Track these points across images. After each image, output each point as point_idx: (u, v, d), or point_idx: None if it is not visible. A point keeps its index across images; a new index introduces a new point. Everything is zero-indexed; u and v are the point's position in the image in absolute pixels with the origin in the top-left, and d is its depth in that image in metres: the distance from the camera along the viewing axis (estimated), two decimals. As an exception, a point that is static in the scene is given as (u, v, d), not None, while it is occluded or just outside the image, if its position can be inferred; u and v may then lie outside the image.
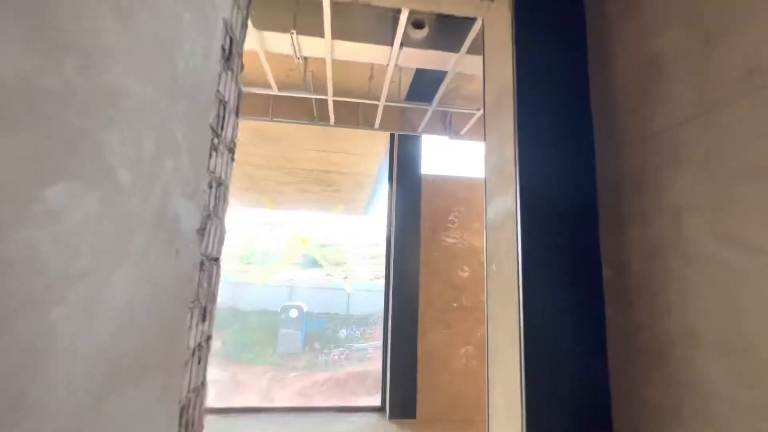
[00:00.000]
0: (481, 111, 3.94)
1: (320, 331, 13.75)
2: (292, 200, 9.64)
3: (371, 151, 5.93)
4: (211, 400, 9.32)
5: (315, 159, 6.39)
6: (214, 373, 10.25)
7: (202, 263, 1.24)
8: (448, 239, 4.66)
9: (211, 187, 1.28)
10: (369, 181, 7.65)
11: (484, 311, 1.75)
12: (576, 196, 1.48)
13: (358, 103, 3.96)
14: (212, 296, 1.36)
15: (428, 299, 4.45)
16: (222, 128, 1.35)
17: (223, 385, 10.10)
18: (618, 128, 1.43)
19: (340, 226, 15.37)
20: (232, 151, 1.48)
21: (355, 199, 9.25)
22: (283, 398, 9.81)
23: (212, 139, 1.26)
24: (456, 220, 4.70)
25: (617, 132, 1.43)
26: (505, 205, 1.58)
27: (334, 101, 3.64)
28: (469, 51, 2.87)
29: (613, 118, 1.47)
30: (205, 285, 1.28)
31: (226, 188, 1.45)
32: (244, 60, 3.56)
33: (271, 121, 3.96)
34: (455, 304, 4.53)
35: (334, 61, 3.07)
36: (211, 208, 1.29)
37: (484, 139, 1.88)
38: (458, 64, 2.97)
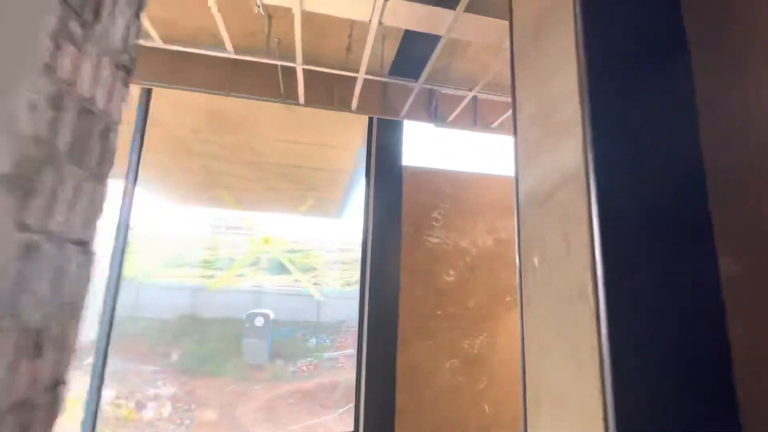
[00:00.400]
0: (473, 93, 3.49)
1: (288, 340, 13.05)
2: (259, 200, 8.94)
3: (347, 143, 5.40)
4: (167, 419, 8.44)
5: (284, 152, 5.79)
6: (169, 389, 9.39)
7: (30, 246, 0.65)
8: (431, 239, 4.19)
9: (58, 107, 0.69)
10: (344, 179, 7.11)
11: (518, 325, 1.23)
12: (674, 148, 0.99)
13: (334, 76, 3.40)
14: (69, 310, 0.75)
15: (409, 306, 3.95)
16: (95, 12, 0.77)
17: (179, 401, 9.24)
18: (739, 42, 0.94)
19: (311, 229, 14.72)
20: (124, 68, 0.90)
21: (328, 199, 8.69)
22: (246, 414, 9.21)
23: (59, 15, 0.68)
24: (440, 217, 4.24)
25: (741, 48, 0.95)
26: (558, 166, 1.05)
27: (304, 71, 3.07)
28: (468, 9, 2.40)
29: (726, 28, 0.98)
30: (44, 291, 0.68)
31: (111, 126, 0.86)
32: (189, 11, 2.93)
33: (228, 95, 3.34)
34: (439, 312, 4.04)
35: (305, 16, 2.51)
36: (63, 147, 0.70)
37: (512, 83, 1.37)
38: (454, 26, 2.49)
